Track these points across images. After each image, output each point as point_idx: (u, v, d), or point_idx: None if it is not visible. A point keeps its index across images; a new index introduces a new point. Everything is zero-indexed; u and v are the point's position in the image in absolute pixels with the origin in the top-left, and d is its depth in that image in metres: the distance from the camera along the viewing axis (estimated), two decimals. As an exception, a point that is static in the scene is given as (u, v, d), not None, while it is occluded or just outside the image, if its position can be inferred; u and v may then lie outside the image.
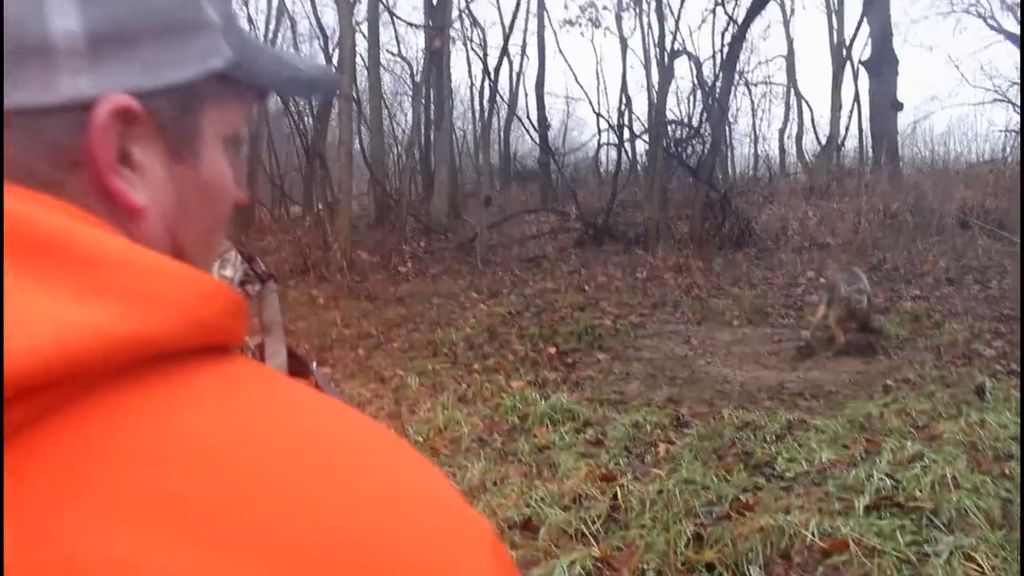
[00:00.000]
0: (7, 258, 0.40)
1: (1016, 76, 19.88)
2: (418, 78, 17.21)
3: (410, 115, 16.34)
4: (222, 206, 0.56)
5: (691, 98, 13.39)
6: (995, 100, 21.04)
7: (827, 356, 6.46)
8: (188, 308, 0.43)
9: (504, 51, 13.21)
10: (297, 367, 0.93)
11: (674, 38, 12.71)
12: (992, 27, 21.02)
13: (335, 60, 13.46)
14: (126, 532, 0.36)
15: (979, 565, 2.93)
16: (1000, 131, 18.72)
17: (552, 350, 6.85)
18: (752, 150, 20.45)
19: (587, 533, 3.40)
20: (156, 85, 0.49)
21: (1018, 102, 19.20)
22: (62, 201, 0.45)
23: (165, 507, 0.37)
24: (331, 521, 0.39)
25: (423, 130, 17.02)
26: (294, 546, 0.38)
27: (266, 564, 0.37)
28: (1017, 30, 19.51)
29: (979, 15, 21.16)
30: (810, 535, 3.16)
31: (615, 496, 3.68)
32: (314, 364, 0.93)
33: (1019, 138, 15.82)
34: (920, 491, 3.57)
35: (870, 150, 17.53)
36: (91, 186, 0.48)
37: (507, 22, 16.64)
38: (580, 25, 18.86)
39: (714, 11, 13.83)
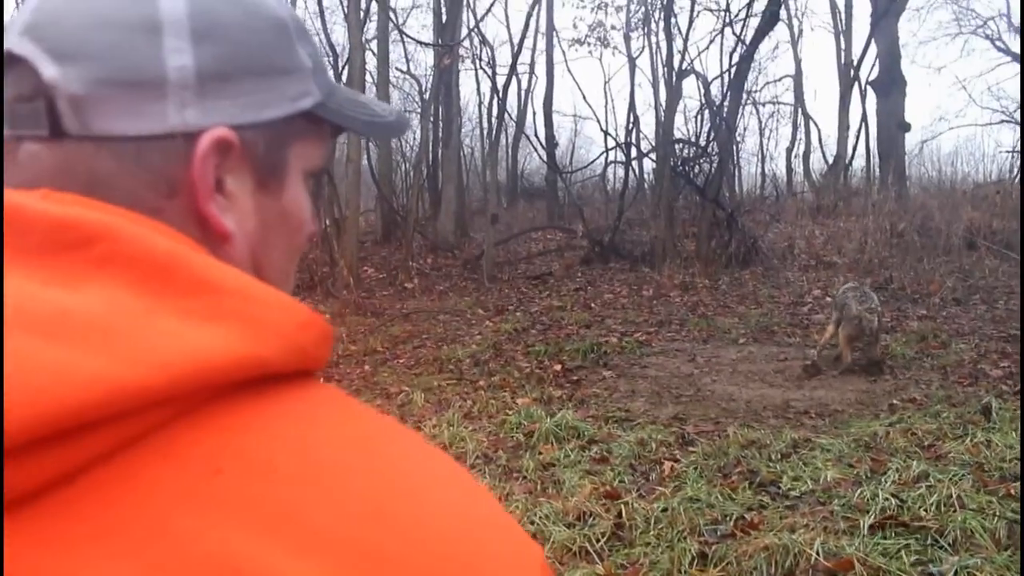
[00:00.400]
0: (134, 280, 0.44)
1: (1023, 97, 19.89)
2: (427, 96, 17.30)
3: (418, 132, 16.40)
4: (301, 236, 0.61)
5: (699, 117, 13.43)
6: (1002, 121, 21.08)
7: (833, 375, 6.45)
8: (291, 334, 0.47)
9: (513, 70, 13.30)
10: None
11: (682, 57, 12.77)
12: (1000, 49, 21.10)
13: (344, 77, 13.54)
14: (240, 535, 0.39)
15: (984, 586, 2.92)
16: (1007, 152, 18.72)
17: (558, 367, 6.86)
18: (759, 169, 20.52)
19: (591, 551, 3.40)
20: (252, 120, 0.53)
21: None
22: (171, 228, 0.49)
23: (274, 516, 0.40)
24: (416, 535, 0.43)
25: (431, 147, 17.10)
26: (383, 556, 0.41)
27: (360, 571, 0.40)
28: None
29: (986, 36, 21.25)
30: (815, 554, 3.15)
31: (620, 514, 3.68)
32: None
33: (1020, 159, 15.81)
34: (925, 511, 3.56)
35: (877, 170, 17.53)
36: (187, 211, 0.52)
37: (516, 41, 16.77)
38: (588, 44, 18.96)
39: (722, 31, 13.91)
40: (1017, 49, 20.19)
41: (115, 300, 0.42)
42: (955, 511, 3.53)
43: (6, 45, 0.50)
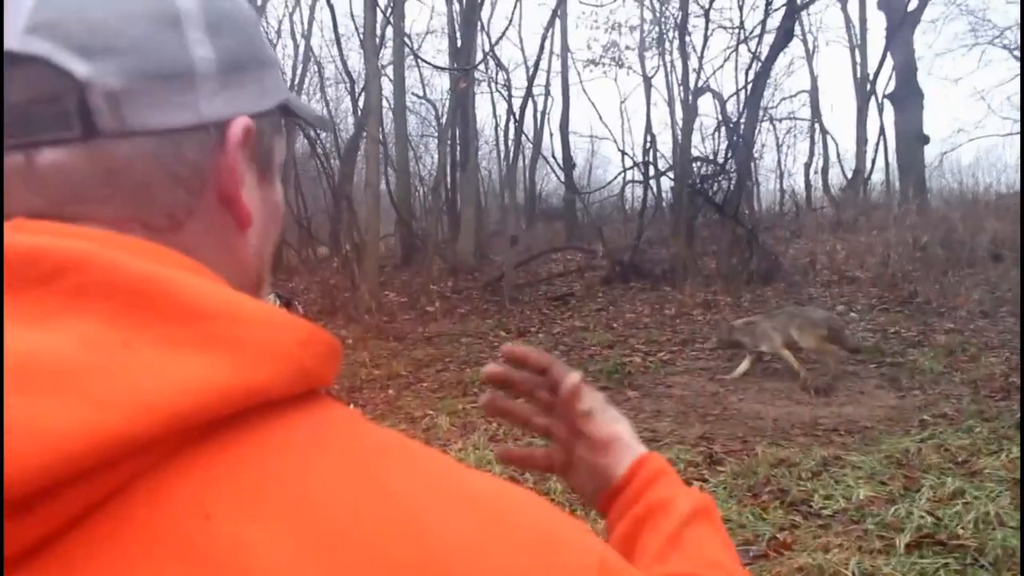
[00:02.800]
0: (111, 311, 0.41)
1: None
2: (443, 119, 17.41)
3: (436, 156, 16.49)
4: (279, 228, 0.59)
5: (716, 135, 13.41)
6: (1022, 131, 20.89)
7: (825, 378, 6.69)
8: (290, 355, 0.43)
9: (529, 92, 13.34)
10: None
11: (698, 76, 12.79)
12: (1017, 58, 20.94)
13: (361, 103, 13.65)
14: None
15: (1027, 605, 2.86)
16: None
17: (582, 388, 6.82)
18: (778, 185, 20.44)
19: (623, 574, 3.35)
20: (260, 110, 0.54)
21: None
22: (168, 248, 0.47)
23: (264, 567, 0.38)
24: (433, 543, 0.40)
25: (448, 170, 17.18)
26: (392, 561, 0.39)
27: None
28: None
29: (1004, 47, 21.09)
30: (850, 574, 3.10)
31: (650, 536, 3.63)
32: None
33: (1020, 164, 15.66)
34: (963, 529, 3.50)
35: (897, 183, 17.43)
36: (215, 205, 0.52)
37: (531, 63, 16.86)
38: (603, 65, 19.06)
39: (736, 48, 13.93)
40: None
41: (89, 336, 0.39)
42: (994, 529, 3.46)
43: (7, 46, 0.46)
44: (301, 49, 19.81)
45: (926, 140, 17.17)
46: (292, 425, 0.43)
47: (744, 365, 7.08)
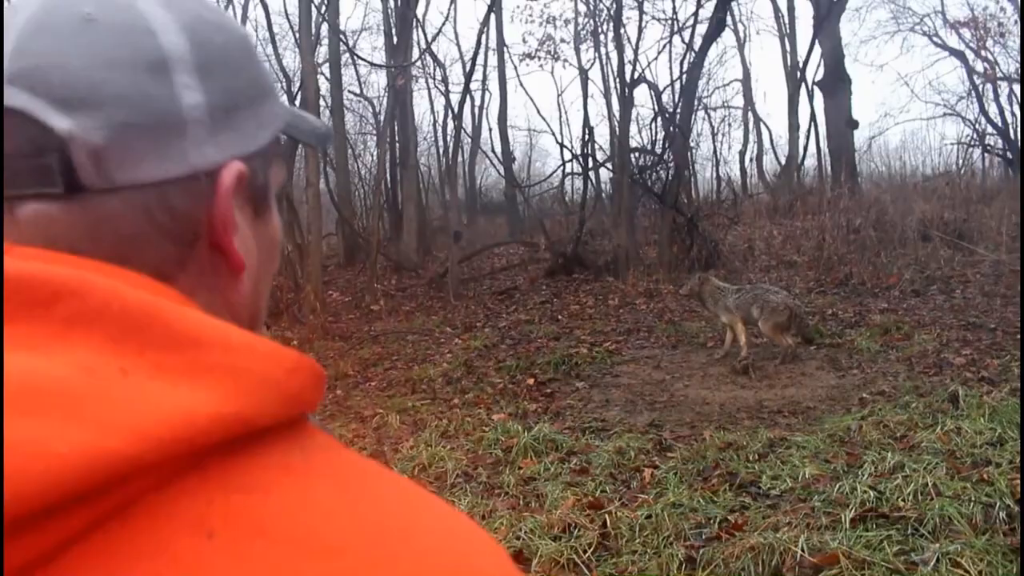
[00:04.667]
0: (107, 338, 0.41)
1: (962, 91, 20.43)
2: (382, 117, 17.28)
3: (375, 154, 16.38)
4: (277, 261, 0.58)
5: (652, 125, 13.54)
6: (944, 114, 21.58)
7: (776, 365, 6.78)
8: (278, 383, 0.44)
9: (466, 87, 13.32)
10: None
11: (633, 67, 12.90)
12: (937, 44, 21.60)
13: (298, 102, 13.49)
14: None
15: (966, 570, 2.98)
16: (952, 144, 19.19)
17: (530, 381, 6.87)
18: (714, 173, 20.76)
19: (579, 562, 3.40)
20: (252, 149, 0.52)
21: (968, 115, 19.71)
22: (147, 278, 0.46)
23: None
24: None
25: (389, 168, 17.07)
26: None
27: None
28: (960, 47, 20.09)
29: (924, 33, 21.74)
30: (800, 551, 3.19)
31: (604, 523, 3.69)
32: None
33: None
34: (903, 501, 3.63)
35: (829, 168, 17.85)
36: (207, 253, 0.50)
37: (468, 58, 16.84)
38: (539, 58, 19.09)
39: (670, 39, 14.07)
40: (953, 44, 20.71)
41: (87, 362, 0.39)
42: (932, 499, 3.60)
43: None
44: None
45: (855, 125, 17.61)
46: (283, 450, 0.44)
47: (741, 338, 7.08)
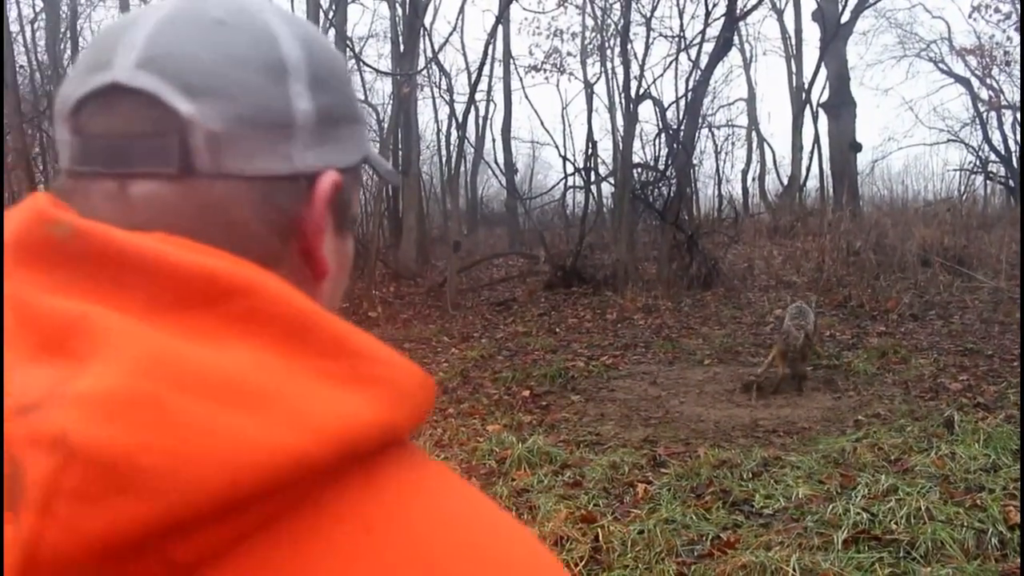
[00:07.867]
0: (274, 339, 0.43)
1: (966, 117, 20.52)
2: (385, 124, 17.32)
3: (378, 161, 16.37)
4: (348, 278, 0.61)
5: (656, 141, 13.60)
6: (948, 140, 21.66)
7: (771, 393, 6.56)
8: (414, 395, 0.46)
9: (471, 97, 13.37)
10: None
11: (639, 83, 12.95)
12: (943, 71, 21.71)
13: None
14: None
15: (958, 596, 2.97)
16: (954, 170, 19.24)
17: (526, 393, 6.86)
18: (716, 191, 20.80)
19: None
20: (347, 164, 0.55)
21: (971, 142, 19.79)
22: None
23: (419, 571, 0.42)
24: None
25: (391, 176, 17.06)
26: None
27: None
28: (965, 74, 20.18)
29: (930, 59, 21.85)
30: (792, 571, 3.18)
31: (597, 537, 3.69)
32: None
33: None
34: (896, 524, 3.62)
35: (831, 190, 17.89)
36: (298, 254, 0.52)
37: (473, 69, 16.88)
38: (545, 71, 19.16)
39: (677, 57, 14.13)
40: (959, 71, 20.82)
41: (262, 361, 0.41)
42: (925, 523, 3.59)
43: (115, 78, 0.48)
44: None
45: (858, 148, 17.67)
46: (408, 458, 0.47)
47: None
